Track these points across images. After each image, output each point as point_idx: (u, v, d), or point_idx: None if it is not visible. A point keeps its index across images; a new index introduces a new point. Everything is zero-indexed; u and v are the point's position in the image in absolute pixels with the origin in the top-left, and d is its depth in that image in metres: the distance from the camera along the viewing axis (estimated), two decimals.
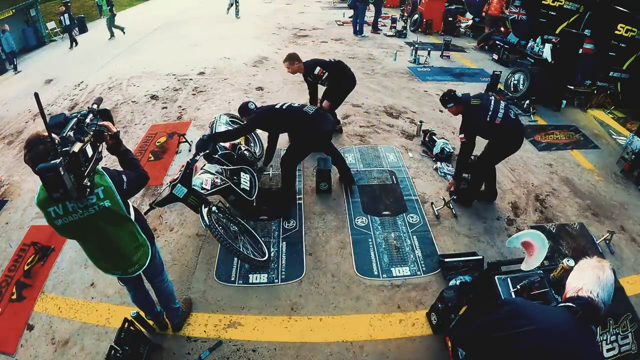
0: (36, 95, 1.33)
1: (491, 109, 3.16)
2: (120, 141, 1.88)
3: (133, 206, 1.98)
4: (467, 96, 3.34)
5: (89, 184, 1.52)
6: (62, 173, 1.34)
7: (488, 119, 3.15)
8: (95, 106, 1.81)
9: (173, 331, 2.59)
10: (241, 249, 2.83)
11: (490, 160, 3.49)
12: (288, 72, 4.23)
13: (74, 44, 10.25)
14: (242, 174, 3.41)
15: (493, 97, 3.29)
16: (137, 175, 1.92)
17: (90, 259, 1.97)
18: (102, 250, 1.90)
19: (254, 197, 3.37)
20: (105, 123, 1.76)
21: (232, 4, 10.94)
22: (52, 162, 1.33)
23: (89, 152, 1.57)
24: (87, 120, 1.69)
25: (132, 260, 1.96)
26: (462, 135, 3.29)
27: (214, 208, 2.90)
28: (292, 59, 4.12)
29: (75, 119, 1.63)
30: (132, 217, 1.89)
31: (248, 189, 3.35)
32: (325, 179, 3.80)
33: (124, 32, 10.46)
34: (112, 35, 10.37)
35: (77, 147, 1.47)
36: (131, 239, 1.92)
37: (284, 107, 3.41)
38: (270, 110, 3.43)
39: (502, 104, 3.24)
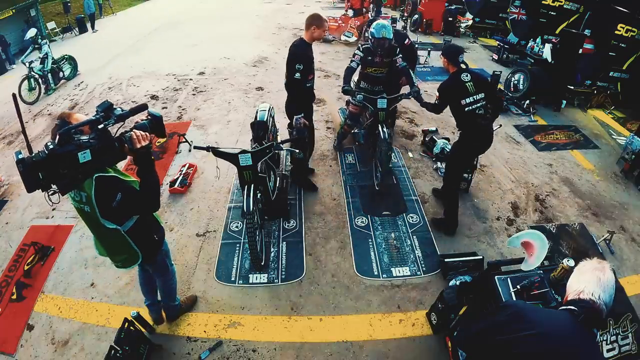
0: (14, 96, 1.33)
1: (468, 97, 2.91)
2: (145, 159, 1.73)
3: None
4: (461, 65, 3.10)
5: (57, 189, 1.51)
6: (21, 170, 1.40)
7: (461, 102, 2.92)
8: (119, 110, 1.66)
9: (167, 322, 2.62)
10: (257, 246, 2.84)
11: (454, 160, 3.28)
12: (313, 35, 3.43)
13: None
14: (271, 172, 3.37)
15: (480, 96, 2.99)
16: (142, 201, 1.78)
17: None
18: (94, 236, 1.96)
19: (273, 198, 3.31)
20: (134, 135, 1.67)
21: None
22: (20, 157, 1.40)
23: (82, 158, 1.49)
24: (101, 127, 1.58)
25: (115, 258, 2.01)
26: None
27: (259, 195, 2.84)
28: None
29: (92, 119, 1.59)
30: (123, 229, 1.82)
31: (272, 188, 3.30)
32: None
33: None
34: None
35: (59, 151, 1.46)
36: (118, 244, 1.89)
37: None
38: None
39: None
